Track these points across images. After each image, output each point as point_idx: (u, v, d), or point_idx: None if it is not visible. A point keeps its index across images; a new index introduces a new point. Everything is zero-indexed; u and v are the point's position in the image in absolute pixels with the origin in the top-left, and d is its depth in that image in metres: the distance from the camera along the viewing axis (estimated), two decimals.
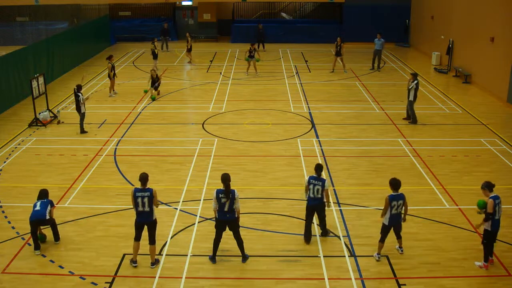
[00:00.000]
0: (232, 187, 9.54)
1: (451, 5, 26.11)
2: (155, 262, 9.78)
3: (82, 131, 16.78)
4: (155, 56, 25.66)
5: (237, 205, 9.52)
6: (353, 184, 13.27)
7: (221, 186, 9.50)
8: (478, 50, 22.51)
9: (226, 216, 9.53)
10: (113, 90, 21.37)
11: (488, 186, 9.49)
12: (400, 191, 9.66)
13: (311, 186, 10.16)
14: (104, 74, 24.49)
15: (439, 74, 25.50)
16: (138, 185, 9.53)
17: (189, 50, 27.35)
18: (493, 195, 9.38)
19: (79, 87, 16.74)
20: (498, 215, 9.37)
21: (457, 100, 20.67)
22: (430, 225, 11.26)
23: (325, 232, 10.68)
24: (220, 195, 9.42)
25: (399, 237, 10.06)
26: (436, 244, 10.50)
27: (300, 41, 33.75)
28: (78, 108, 16.75)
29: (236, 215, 9.59)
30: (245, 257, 9.92)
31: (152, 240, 9.64)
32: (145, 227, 9.62)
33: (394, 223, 9.76)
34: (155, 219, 9.58)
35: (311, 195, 10.21)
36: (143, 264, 9.78)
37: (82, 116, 16.78)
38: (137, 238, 9.66)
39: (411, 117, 17.84)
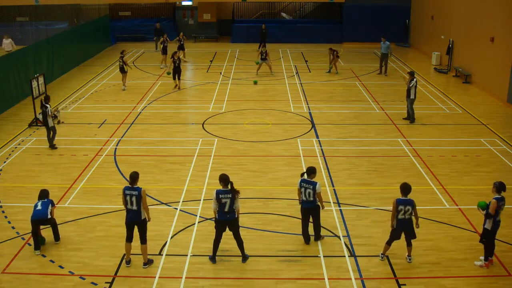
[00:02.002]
0: None
1: (451, 5, 26.11)
2: (148, 263, 9.73)
3: (52, 146, 15.40)
4: (164, 51, 26.17)
5: (237, 205, 9.52)
6: (353, 184, 13.27)
7: (221, 187, 9.50)
8: (478, 50, 22.51)
9: (226, 217, 9.52)
10: (124, 85, 22.00)
11: (498, 187, 9.41)
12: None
13: (302, 190, 10.13)
14: (104, 75, 24.48)
15: (439, 74, 25.50)
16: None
17: (179, 48, 27.28)
18: (498, 196, 9.37)
19: (46, 98, 15.48)
20: (499, 216, 9.37)
21: (457, 100, 20.67)
22: (430, 225, 11.26)
23: (318, 237, 10.55)
24: (221, 196, 9.41)
25: (409, 244, 9.79)
26: (436, 244, 10.50)
27: (300, 41, 33.75)
28: (45, 122, 15.22)
29: (236, 215, 9.60)
30: (245, 257, 9.92)
31: (143, 240, 9.62)
32: (136, 227, 9.60)
33: (402, 228, 9.61)
34: (144, 219, 9.55)
35: (304, 198, 10.18)
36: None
37: (53, 129, 15.30)
38: (129, 239, 9.64)
39: (410, 116, 17.85)
